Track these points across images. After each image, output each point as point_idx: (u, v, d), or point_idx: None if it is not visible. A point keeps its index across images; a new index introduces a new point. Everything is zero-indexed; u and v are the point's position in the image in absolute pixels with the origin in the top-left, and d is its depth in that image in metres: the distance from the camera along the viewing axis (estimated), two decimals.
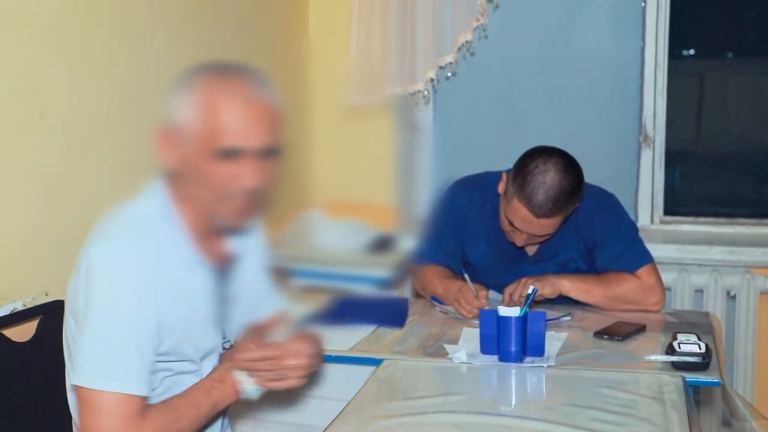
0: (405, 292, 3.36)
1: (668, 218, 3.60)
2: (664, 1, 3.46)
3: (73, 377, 1.55)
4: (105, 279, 1.53)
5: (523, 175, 2.39)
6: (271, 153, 1.62)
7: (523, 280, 2.49)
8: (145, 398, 1.56)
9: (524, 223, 2.42)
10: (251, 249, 1.85)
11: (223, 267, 1.75)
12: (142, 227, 1.60)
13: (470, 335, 2.31)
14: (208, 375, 1.73)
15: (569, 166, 2.40)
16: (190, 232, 1.67)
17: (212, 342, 1.75)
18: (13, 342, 1.86)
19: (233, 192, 1.59)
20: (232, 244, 1.79)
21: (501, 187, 2.55)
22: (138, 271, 1.55)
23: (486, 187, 2.68)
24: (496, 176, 2.68)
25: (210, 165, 1.57)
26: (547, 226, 2.43)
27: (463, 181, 2.78)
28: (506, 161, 2.77)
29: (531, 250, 2.62)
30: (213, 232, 1.72)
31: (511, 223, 2.46)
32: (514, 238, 2.51)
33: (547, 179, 2.36)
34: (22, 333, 1.90)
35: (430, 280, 2.69)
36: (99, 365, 1.52)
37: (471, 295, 2.47)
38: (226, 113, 1.56)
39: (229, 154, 1.56)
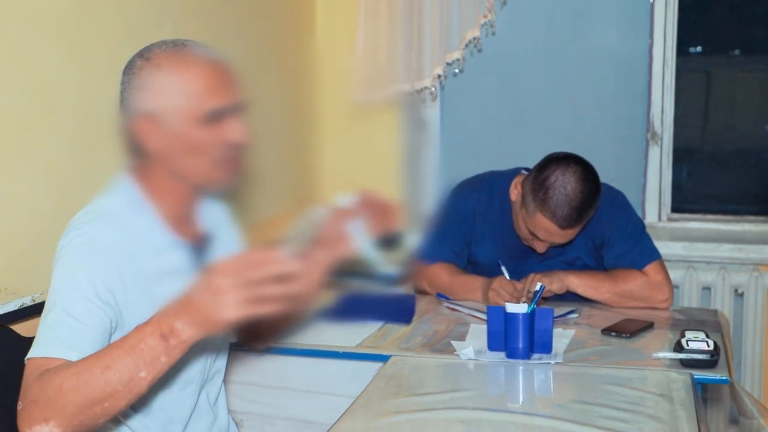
0: (411, 288, 3.36)
1: (676, 215, 3.59)
2: None
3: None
4: (62, 264, 1.55)
5: (544, 189, 2.39)
6: (243, 108, 1.67)
7: (531, 276, 2.50)
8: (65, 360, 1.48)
9: (549, 234, 2.45)
10: (223, 226, 1.87)
11: (200, 245, 1.76)
12: (108, 219, 1.61)
13: (478, 332, 2.31)
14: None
15: (587, 172, 2.42)
16: (163, 217, 1.69)
17: None
18: (22, 337, 1.86)
19: (226, 151, 1.64)
20: (204, 222, 1.80)
21: (515, 195, 2.55)
22: (95, 255, 1.55)
23: (493, 187, 2.69)
24: (502, 176, 2.68)
25: (199, 132, 1.61)
26: (572, 234, 2.47)
27: (469, 181, 2.78)
28: (514, 158, 2.77)
29: (541, 251, 2.62)
30: (189, 209, 1.74)
31: (533, 234, 2.48)
32: (535, 246, 2.53)
33: (569, 191, 2.37)
34: (30, 328, 1.90)
35: (439, 275, 2.70)
36: (39, 338, 1.49)
37: (509, 284, 2.48)
38: (201, 79, 1.60)
39: (217, 116, 1.61)
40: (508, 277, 2.54)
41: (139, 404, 1.69)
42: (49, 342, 1.47)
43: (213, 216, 1.84)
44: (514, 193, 2.56)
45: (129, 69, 1.64)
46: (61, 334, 1.48)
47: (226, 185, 1.71)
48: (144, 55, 1.63)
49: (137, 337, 1.37)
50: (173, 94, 1.60)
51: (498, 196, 2.66)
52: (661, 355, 2.13)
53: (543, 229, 2.44)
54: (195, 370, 1.79)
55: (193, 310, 1.36)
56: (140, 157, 1.68)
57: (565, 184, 2.38)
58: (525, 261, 2.62)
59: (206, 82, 1.60)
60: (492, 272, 2.61)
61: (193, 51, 1.63)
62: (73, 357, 1.44)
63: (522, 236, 2.57)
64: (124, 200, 1.66)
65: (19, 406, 1.43)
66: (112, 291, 1.56)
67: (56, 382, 1.37)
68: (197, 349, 1.78)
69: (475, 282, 2.62)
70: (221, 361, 1.90)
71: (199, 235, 1.77)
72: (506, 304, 2.15)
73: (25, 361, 1.50)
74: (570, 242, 2.55)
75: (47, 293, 1.91)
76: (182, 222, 1.73)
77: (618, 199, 2.65)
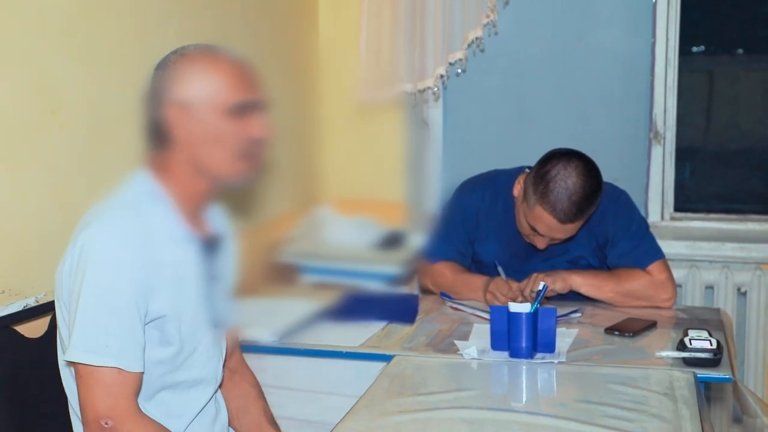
0: (415, 288, 3.36)
1: (678, 215, 3.59)
2: None
3: (67, 353, 1.58)
4: (97, 260, 1.58)
5: (544, 182, 2.39)
6: (266, 106, 1.76)
7: (534, 275, 2.50)
8: (141, 375, 1.62)
9: (549, 229, 2.44)
10: (227, 233, 1.92)
11: (210, 243, 1.81)
12: (129, 208, 1.66)
13: (481, 331, 2.32)
14: None
15: (589, 168, 2.41)
16: (178, 209, 1.74)
17: (203, 331, 1.78)
18: (25, 338, 1.87)
19: (248, 146, 1.71)
20: (214, 224, 1.86)
21: (517, 191, 2.55)
22: (129, 250, 1.60)
23: (497, 186, 2.69)
24: (506, 174, 2.68)
25: (225, 124, 1.69)
26: (572, 229, 2.46)
27: (474, 180, 2.79)
28: (516, 158, 2.77)
29: (541, 247, 2.62)
30: (201, 208, 1.79)
31: (533, 228, 2.48)
32: (536, 242, 2.53)
33: (569, 185, 2.37)
34: (34, 329, 1.91)
35: (442, 274, 2.70)
36: (95, 341, 1.56)
37: (505, 285, 2.48)
38: (229, 74, 1.70)
39: (243, 109, 1.70)
40: (504, 278, 2.54)
41: (143, 393, 1.71)
42: (117, 352, 1.57)
43: (219, 222, 1.89)
44: (517, 188, 2.56)
45: (163, 64, 1.73)
46: (127, 344, 1.58)
47: (244, 179, 1.77)
48: (178, 51, 1.74)
49: None
50: (204, 85, 1.68)
51: (502, 195, 2.66)
52: (664, 354, 2.13)
53: (543, 223, 2.44)
54: (207, 370, 1.81)
55: None
56: (162, 147, 1.73)
57: (566, 178, 2.38)
58: (528, 260, 2.63)
59: (234, 77, 1.70)
60: (496, 271, 2.61)
61: (223, 51, 1.74)
62: (134, 368, 1.59)
63: (523, 232, 2.57)
64: (141, 191, 1.71)
65: (106, 423, 1.56)
66: (145, 283, 1.62)
67: None
68: (209, 350, 1.81)
69: (477, 281, 2.62)
70: (221, 368, 1.91)
71: (208, 234, 1.81)
72: (509, 303, 2.15)
73: (79, 363, 1.56)
74: (572, 240, 2.56)
75: (51, 294, 1.93)
76: (194, 219, 1.78)
77: (622, 198, 2.65)
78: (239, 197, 2.83)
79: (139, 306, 1.61)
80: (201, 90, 1.68)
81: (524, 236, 2.58)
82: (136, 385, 1.61)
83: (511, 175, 2.64)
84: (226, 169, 1.72)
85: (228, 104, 1.68)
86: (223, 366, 1.91)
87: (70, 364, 1.61)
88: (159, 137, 1.73)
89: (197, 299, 1.75)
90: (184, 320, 1.71)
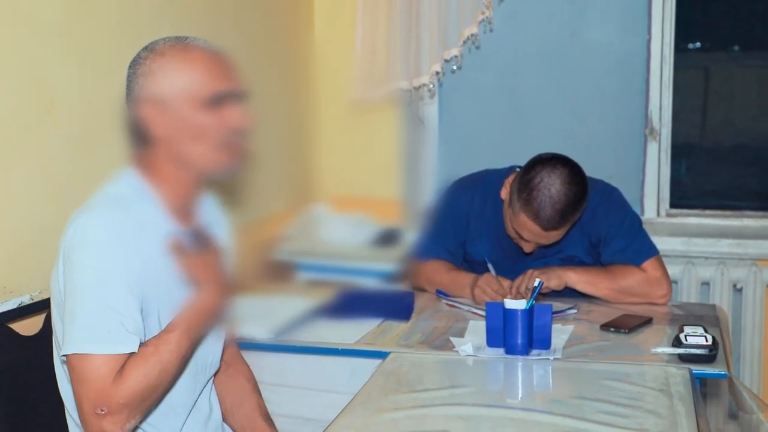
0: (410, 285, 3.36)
1: (674, 211, 3.59)
2: None
3: (64, 347, 1.56)
4: (88, 249, 1.58)
5: (528, 189, 2.39)
6: (244, 95, 1.73)
7: (529, 272, 2.50)
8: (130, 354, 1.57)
9: (533, 235, 2.45)
10: (218, 224, 1.90)
11: (200, 238, 1.78)
12: (117, 202, 1.65)
13: (476, 328, 2.31)
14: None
15: (574, 174, 2.40)
16: (166, 206, 1.72)
17: None
18: (20, 336, 1.87)
19: (228, 136, 1.69)
20: (203, 218, 1.83)
21: (504, 194, 2.55)
22: (118, 238, 1.59)
23: (487, 186, 2.69)
24: (497, 174, 2.68)
25: (202, 116, 1.67)
26: (556, 236, 2.46)
27: (464, 180, 2.78)
28: (512, 154, 2.77)
29: (528, 251, 2.61)
30: (190, 202, 1.78)
31: (518, 233, 2.48)
32: (522, 246, 2.53)
33: (553, 192, 2.36)
34: (29, 327, 1.91)
35: (436, 272, 2.70)
36: (91, 331, 1.54)
37: (495, 281, 2.48)
38: (202, 65, 1.67)
39: (218, 100, 1.67)
40: (494, 274, 2.54)
41: None
42: (108, 339, 1.55)
43: (210, 213, 1.87)
44: (504, 192, 2.56)
45: (134, 61, 1.70)
46: (113, 330, 1.55)
47: (228, 171, 1.74)
48: (148, 47, 1.70)
49: (193, 322, 1.64)
50: (176, 79, 1.65)
51: (492, 196, 2.65)
52: (659, 350, 2.13)
53: (527, 230, 2.44)
54: (208, 357, 1.82)
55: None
56: (145, 146, 1.71)
57: (549, 186, 2.37)
58: (521, 259, 2.62)
59: (207, 68, 1.67)
60: (488, 270, 2.61)
61: (195, 42, 1.70)
62: (130, 350, 1.56)
63: (510, 235, 2.56)
64: (128, 189, 1.70)
65: (101, 410, 1.52)
66: (137, 272, 1.61)
67: (143, 381, 1.55)
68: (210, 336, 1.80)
69: (465, 279, 2.61)
70: (219, 355, 1.91)
71: (198, 228, 1.79)
72: (505, 300, 2.15)
73: (73, 354, 1.55)
74: (565, 239, 2.55)
75: (46, 292, 1.93)
76: (184, 214, 1.76)
77: (613, 195, 2.65)
78: (234, 195, 2.83)
79: (133, 289, 1.59)
80: (173, 84, 1.65)
81: (512, 239, 2.58)
82: (124, 360, 1.56)
83: (502, 174, 2.63)
84: (208, 161, 1.70)
85: (202, 96, 1.66)
86: (221, 358, 1.90)
87: (65, 360, 1.60)
88: (140, 135, 1.71)
89: (186, 295, 1.73)
90: (170, 317, 1.69)
